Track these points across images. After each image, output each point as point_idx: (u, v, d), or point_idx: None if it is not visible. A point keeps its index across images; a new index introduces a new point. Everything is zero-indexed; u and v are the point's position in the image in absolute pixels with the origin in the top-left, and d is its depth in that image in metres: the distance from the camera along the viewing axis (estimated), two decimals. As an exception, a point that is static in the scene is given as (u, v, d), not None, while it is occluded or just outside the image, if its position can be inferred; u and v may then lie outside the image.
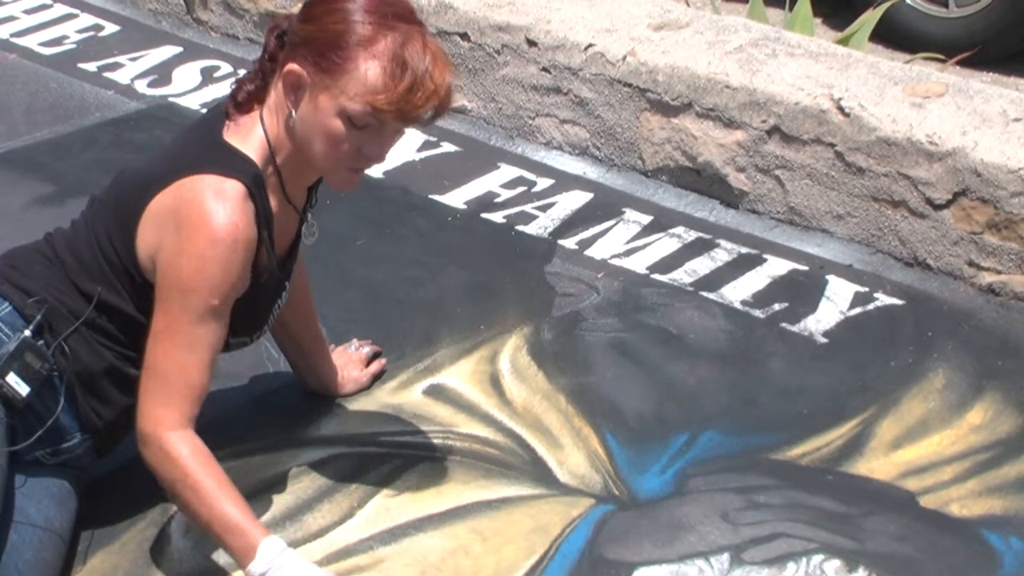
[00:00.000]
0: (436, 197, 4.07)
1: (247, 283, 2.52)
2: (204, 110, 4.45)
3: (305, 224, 2.73)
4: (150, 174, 2.54)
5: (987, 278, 3.61)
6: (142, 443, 2.50)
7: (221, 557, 2.66)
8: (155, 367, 2.48)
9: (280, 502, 2.82)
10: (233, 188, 2.44)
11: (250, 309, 2.58)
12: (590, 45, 4.20)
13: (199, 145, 2.55)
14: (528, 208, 4.02)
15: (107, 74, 4.83)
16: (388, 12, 2.42)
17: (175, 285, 2.44)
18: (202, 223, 2.41)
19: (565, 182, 4.18)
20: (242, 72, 4.75)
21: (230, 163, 2.48)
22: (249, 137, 2.52)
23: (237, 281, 2.48)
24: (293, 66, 2.43)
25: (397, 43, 2.39)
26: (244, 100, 2.55)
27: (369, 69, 2.38)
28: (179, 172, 2.47)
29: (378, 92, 2.38)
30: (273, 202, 2.56)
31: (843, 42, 4.73)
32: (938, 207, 3.63)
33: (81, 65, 4.90)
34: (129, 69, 4.88)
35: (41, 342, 2.53)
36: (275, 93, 2.51)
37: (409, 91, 2.39)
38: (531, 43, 4.30)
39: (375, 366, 3.20)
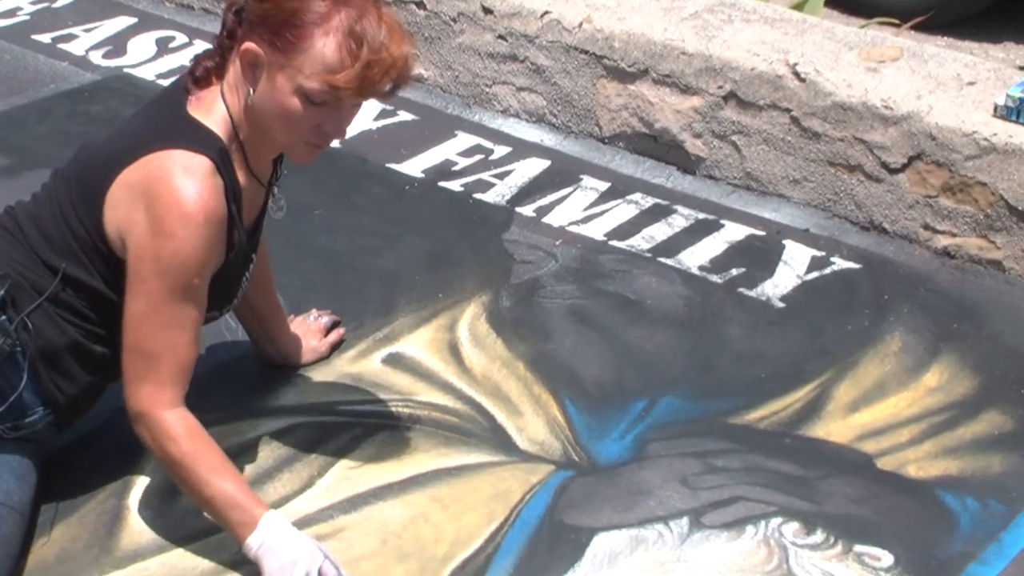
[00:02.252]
0: (393, 166, 4.06)
1: (221, 258, 2.52)
2: (159, 81, 4.43)
3: (272, 198, 2.72)
4: (115, 149, 2.52)
5: (943, 241, 3.63)
6: (135, 423, 2.51)
7: (179, 530, 2.66)
8: (140, 349, 2.47)
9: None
10: (201, 164, 2.43)
11: (221, 283, 2.57)
12: (546, 12, 4.19)
13: (163, 119, 2.54)
14: (485, 176, 4.02)
15: (61, 45, 4.80)
16: None
17: (152, 266, 2.42)
18: (173, 201, 2.39)
19: (522, 150, 4.18)
20: (197, 43, 4.78)
21: (196, 137, 2.46)
22: (212, 112, 2.51)
23: (213, 257, 2.47)
24: (250, 45, 2.42)
25: (352, 18, 2.39)
26: (202, 76, 2.54)
27: (325, 46, 2.38)
28: (145, 147, 2.45)
29: (335, 70, 2.38)
30: (240, 176, 2.55)
31: (798, 8, 4.74)
32: (893, 171, 3.65)
33: (35, 37, 4.86)
34: (83, 40, 4.85)
35: (4, 317, 2.51)
36: (233, 71, 2.49)
37: (366, 67, 2.39)
38: (487, 11, 4.28)
39: (334, 335, 3.20)
